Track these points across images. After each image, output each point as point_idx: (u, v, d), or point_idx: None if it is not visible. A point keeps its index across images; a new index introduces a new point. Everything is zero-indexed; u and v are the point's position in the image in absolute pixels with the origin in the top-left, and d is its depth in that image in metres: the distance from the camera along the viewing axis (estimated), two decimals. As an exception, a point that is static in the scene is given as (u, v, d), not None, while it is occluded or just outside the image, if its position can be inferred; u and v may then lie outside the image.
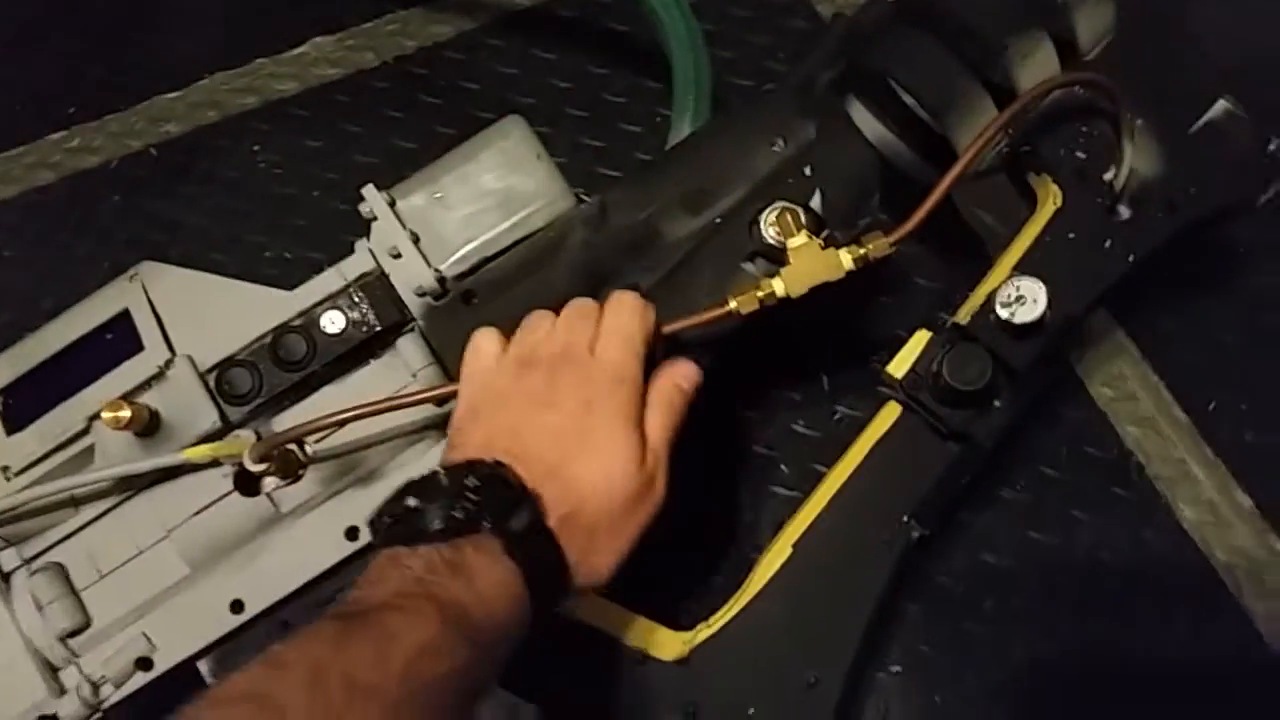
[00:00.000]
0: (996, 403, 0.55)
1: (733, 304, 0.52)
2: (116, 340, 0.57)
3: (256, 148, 0.83)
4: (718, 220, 0.57)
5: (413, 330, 0.57)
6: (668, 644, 0.55)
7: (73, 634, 0.55)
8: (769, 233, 0.55)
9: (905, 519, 0.55)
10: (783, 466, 0.70)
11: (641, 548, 0.66)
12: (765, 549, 0.57)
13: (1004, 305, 0.55)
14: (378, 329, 0.56)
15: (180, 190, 0.82)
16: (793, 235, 0.53)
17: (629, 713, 0.54)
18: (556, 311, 0.54)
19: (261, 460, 0.52)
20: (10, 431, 0.56)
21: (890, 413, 0.57)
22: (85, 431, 0.56)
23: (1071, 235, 0.57)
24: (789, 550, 0.56)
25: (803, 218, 0.54)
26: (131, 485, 0.56)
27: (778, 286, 0.52)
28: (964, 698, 0.64)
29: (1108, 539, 0.67)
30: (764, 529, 0.68)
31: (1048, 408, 0.70)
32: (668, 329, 0.52)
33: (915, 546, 0.56)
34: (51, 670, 0.55)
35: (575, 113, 0.82)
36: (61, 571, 0.56)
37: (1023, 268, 0.57)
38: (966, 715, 0.64)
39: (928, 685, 0.65)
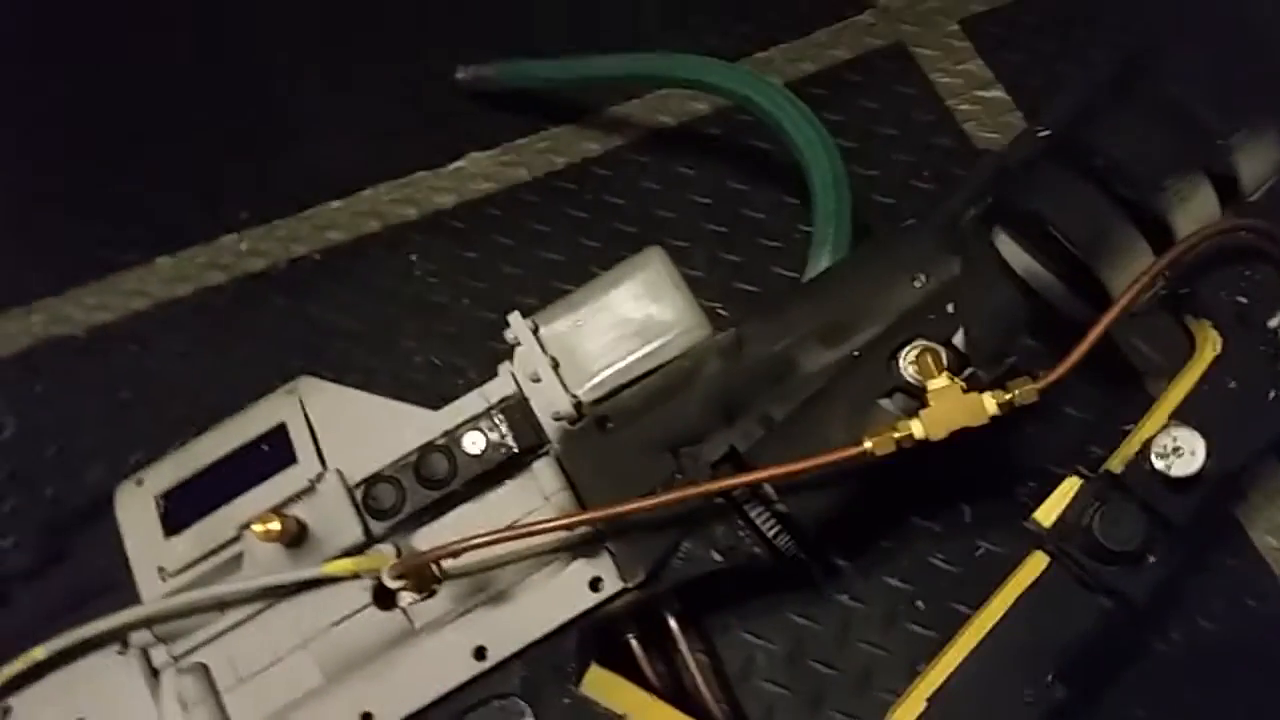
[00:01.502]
0: (1151, 558, 0.52)
1: (868, 444, 0.52)
2: (272, 452, 0.59)
3: (414, 257, 0.87)
4: (855, 354, 0.57)
5: (548, 453, 0.58)
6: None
7: (212, 736, 0.57)
8: (908, 371, 0.54)
9: (1050, 679, 0.53)
10: (919, 603, 0.67)
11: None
12: (898, 700, 0.55)
13: (1160, 456, 0.52)
14: (515, 451, 0.58)
15: (340, 297, 0.86)
16: (933, 376, 0.52)
17: None
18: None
19: (399, 577, 0.54)
20: (169, 534, 0.59)
21: (1037, 563, 0.55)
22: (236, 539, 0.58)
23: (1232, 384, 0.54)
24: (923, 704, 0.53)
25: (944, 358, 0.53)
26: (275, 593, 0.58)
27: (916, 429, 0.51)
28: None
29: (1269, 701, 0.62)
30: (895, 668, 0.65)
31: (1205, 553, 0.66)
32: (802, 466, 0.52)
33: (1060, 708, 0.53)
34: (191, 770, 0.57)
35: (714, 228, 0.83)
36: (206, 673, 0.58)
37: (1180, 416, 0.54)
38: None
39: None
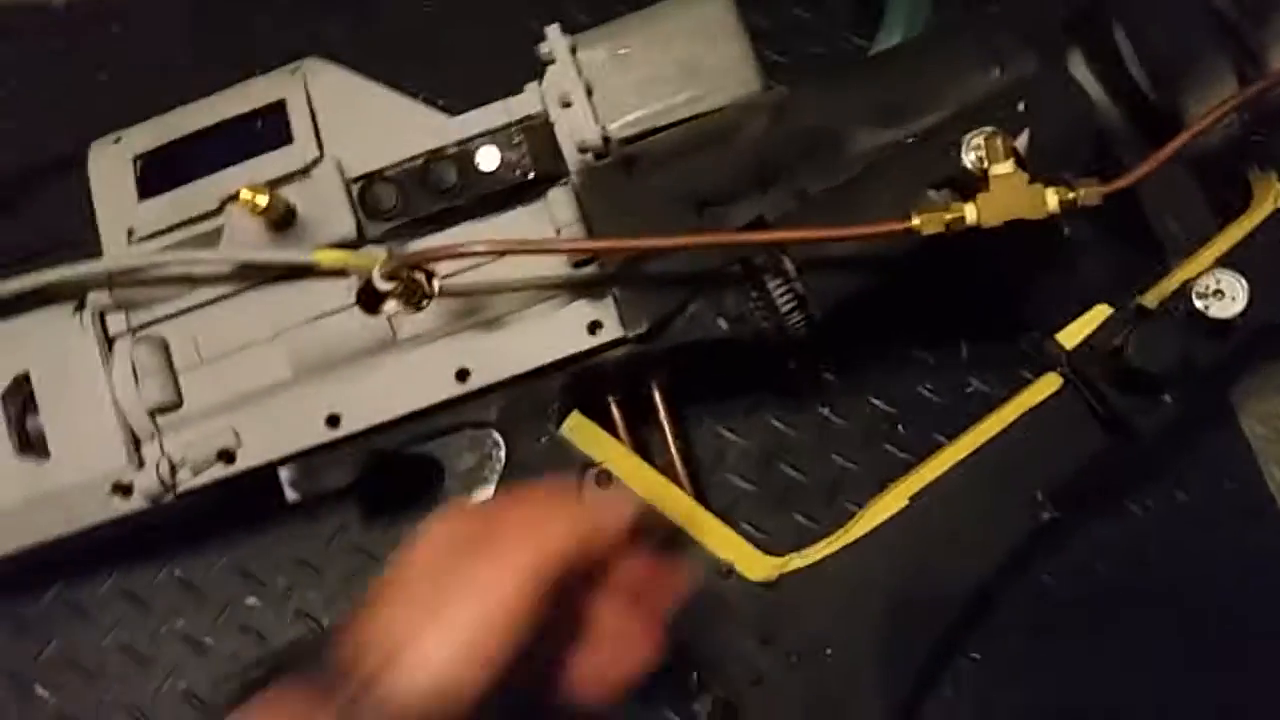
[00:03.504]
0: (1167, 397, 0.51)
1: (916, 220, 0.49)
2: (267, 129, 0.54)
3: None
4: (910, 138, 0.53)
5: (566, 184, 0.54)
6: (757, 564, 0.52)
7: (162, 410, 0.54)
8: (970, 156, 0.50)
9: (1039, 497, 0.51)
10: (900, 426, 0.66)
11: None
12: (876, 496, 0.54)
13: (1200, 296, 0.50)
14: (531, 175, 0.54)
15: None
16: (999, 161, 0.49)
17: (702, 621, 0.51)
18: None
19: (390, 278, 0.50)
20: (143, 197, 0.55)
21: (1048, 384, 0.53)
22: (217, 213, 0.54)
23: (1287, 239, 0.53)
24: (904, 502, 0.52)
25: (1014, 145, 0.50)
26: (251, 276, 0.54)
27: (970, 213, 0.48)
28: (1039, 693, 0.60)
29: (1227, 581, 0.62)
30: (866, 483, 0.64)
31: (1194, 429, 0.65)
32: (843, 234, 0.49)
33: (1043, 528, 0.52)
34: (135, 441, 0.54)
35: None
36: (164, 346, 0.54)
37: (1227, 261, 0.52)
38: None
39: (1005, 677, 0.60)
